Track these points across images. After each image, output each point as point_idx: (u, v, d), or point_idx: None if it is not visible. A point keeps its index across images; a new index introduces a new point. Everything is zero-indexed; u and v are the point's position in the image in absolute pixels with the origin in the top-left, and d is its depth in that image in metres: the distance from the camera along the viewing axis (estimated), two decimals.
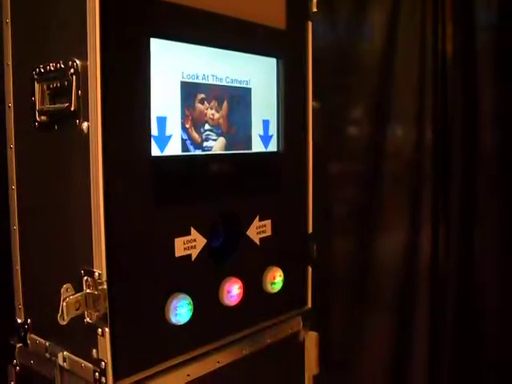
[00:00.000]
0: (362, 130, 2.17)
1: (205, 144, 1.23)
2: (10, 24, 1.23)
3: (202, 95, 1.21)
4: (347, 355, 2.16)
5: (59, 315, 1.03)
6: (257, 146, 1.35)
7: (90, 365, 1.09)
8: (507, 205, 2.01)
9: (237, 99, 1.29)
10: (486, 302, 2.05)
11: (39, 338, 1.23)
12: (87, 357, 1.10)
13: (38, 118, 1.15)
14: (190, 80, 1.19)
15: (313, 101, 1.51)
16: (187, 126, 1.18)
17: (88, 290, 1.05)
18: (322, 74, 1.62)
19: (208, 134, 1.23)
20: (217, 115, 1.25)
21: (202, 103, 1.21)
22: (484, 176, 2.04)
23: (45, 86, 1.13)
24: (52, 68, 1.10)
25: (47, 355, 1.20)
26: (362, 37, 2.12)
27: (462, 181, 2.07)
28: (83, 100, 1.04)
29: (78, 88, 1.05)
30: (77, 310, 1.05)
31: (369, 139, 2.14)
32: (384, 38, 2.09)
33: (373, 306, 2.15)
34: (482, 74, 2.02)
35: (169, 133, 1.15)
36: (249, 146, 1.34)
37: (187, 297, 1.16)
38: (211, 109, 1.23)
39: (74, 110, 1.05)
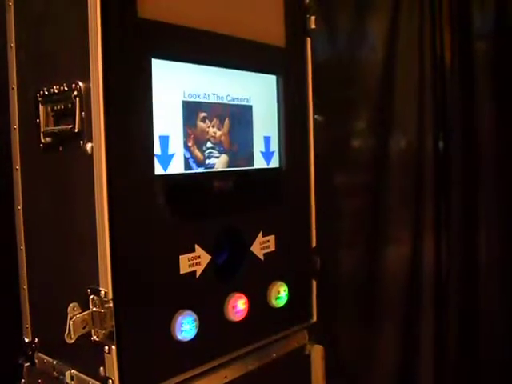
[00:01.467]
0: (363, 140, 2.17)
1: (207, 162, 1.24)
2: (14, 48, 1.25)
3: (204, 114, 1.23)
4: (353, 367, 2.15)
5: (66, 334, 1.04)
6: (259, 163, 1.37)
7: (98, 383, 1.10)
8: (509, 211, 2.02)
9: (238, 117, 1.31)
10: (490, 308, 2.04)
11: (47, 357, 1.24)
12: (95, 375, 1.10)
13: (42, 140, 1.17)
14: (192, 99, 1.20)
15: (314, 115, 1.52)
16: (189, 144, 1.20)
17: (94, 309, 1.06)
18: (323, 87, 1.64)
19: (210, 152, 1.25)
20: (218, 133, 1.26)
21: (204, 121, 1.23)
22: (485, 183, 2.05)
23: (49, 108, 1.15)
24: (56, 90, 1.12)
25: (55, 374, 1.21)
26: (361, 49, 2.14)
27: (463, 189, 2.08)
28: (87, 121, 1.06)
29: (81, 110, 1.06)
30: (83, 328, 1.06)
31: (370, 150, 2.15)
32: (383, 49, 2.11)
33: (378, 317, 2.15)
34: (480, 80, 2.04)
35: (171, 151, 1.17)
36: (251, 162, 1.35)
37: (192, 313, 1.17)
38: (213, 127, 1.25)
39: (78, 131, 1.07)
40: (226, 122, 1.28)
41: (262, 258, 1.36)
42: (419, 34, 2.09)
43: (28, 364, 1.29)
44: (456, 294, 2.09)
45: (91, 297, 1.06)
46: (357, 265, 2.15)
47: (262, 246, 1.36)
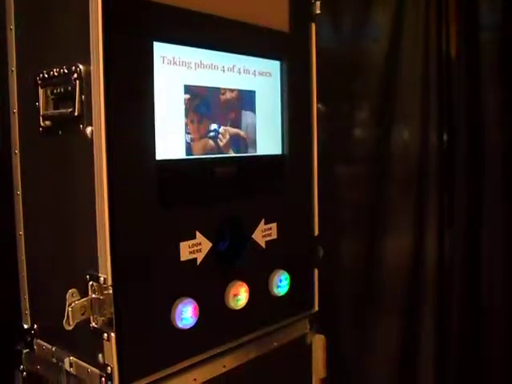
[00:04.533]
0: (366, 131, 2.16)
1: (209, 147, 1.22)
2: (13, 30, 1.24)
3: (206, 98, 1.21)
4: (354, 358, 2.15)
5: (65, 320, 1.03)
6: (262, 149, 1.35)
7: (97, 370, 1.09)
8: None
9: (241, 102, 1.29)
10: (493, 302, 2.03)
11: (46, 344, 1.23)
12: (93, 362, 1.10)
13: (42, 124, 1.15)
14: (194, 83, 1.18)
15: (317, 103, 1.51)
16: (191, 129, 1.18)
17: (93, 295, 1.05)
18: (326, 77, 1.62)
19: (212, 137, 1.23)
20: (221, 118, 1.24)
21: (206, 106, 1.21)
22: (489, 177, 2.03)
23: (49, 92, 1.14)
24: (55, 73, 1.11)
25: (54, 360, 1.20)
26: (366, 39, 2.12)
27: (467, 182, 2.06)
28: (87, 105, 1.04)
29: (81, 93, 1.05)
30: (82, 314, 1.05)
31: (373, 142, 2.13)
32: (388, 40, 2.09)
33: (379, 308, 2.14)
34: (486, 74, 2.02)
35: (173, 136, 1.15)
36: (254, 148, 1.33)
37: (193, 301, 1.16)
38: (215, 112, 1.23)
39: (78, 114, 1.05)
40: (229, 107, 1.26)
41: (263, 245, 1.35)
42: (425, 26, 2.07)
43: (27, 350, 1.29)
44: (458, 290, 2.08)
45: (90, 283, 1.05)
46: (359, 255, 2.14)
47: (264, 233, 1.35)
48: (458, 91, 2.06)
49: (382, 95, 2.11)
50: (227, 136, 1.26)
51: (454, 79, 2.07)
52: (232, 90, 1.27)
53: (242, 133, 1.30)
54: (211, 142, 1.23)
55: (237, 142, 1.29)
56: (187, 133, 1.17)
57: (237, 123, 1.28)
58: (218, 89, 1.24)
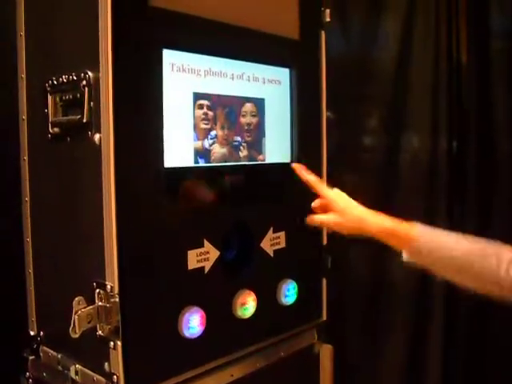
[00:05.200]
0: (377, 138, 2.15)
1: (218, 155, 1.22)
2: (23, 37, 1.24)
3: (216, 106, 1.20)
4: (362, 367, 2.13)
5: (71, 328, 1.03)
6: (270, 157, 1.34)
7: (102, 378, 1.09)
8: None
9: (250, 110, 1.29)
10: (502, 308, 2.01)
11: (52, 351, 1.23)
12: (99, 370, 1.09)
13: (50, 130, 1.15)
14: (203, 91, 1.18)
15: (327, 111, 1.50)
16: (200, 137, 1.18)
17: (100, 303, 1.04)
18: (336, 84, 1.61)
19: (221, 146, 1.22)
20: (230, 126, 1.24)
21: (216, 114, 1.20)
22: (500, 185, 2.01)
23: (57, 98, 1.14)
24: (65, 80, 1.11)
25: (59, 368, 1.19)
26: (376, 45, 2.11)
27: (477, 190, 2.04)
28: (95, 112, 1.04)
29: (90, 100, 1.05)
30: (89, 322, 1.04)
31: (383, 149, 2.12)
32: (398, 46, 2.08)
33: (388, 316, 2.13)
34: (496, 80, 2.00)
35: (181, 144, 1.14)
36: (262, 157, 1.33)
37: (200, 310, 1.15)
38: (225, 120, 1.22)
39: (87, 121, 1.05)
40: (238, 115, 1.25)
41: (271, 254, 1.34)
42: (435, 32, 2.05)
43: (33, 357, 1.28)
44: (468, 300, 2.05)
45: (97, 291, 1.05)
46: (367, 264, 2.12)
47: (272, 242, 1.34)
48: (468, 97, 2.04)
49: (391, 102, 2.10)
50: (236, 144, 1.26)
51: (464, 86, 2.05)
52: (242, 98, 1.26)
53: (251, 141, 1.29)
54: (220, 150, 1.22)
55: (246, 149, 1.28)
56: (196, 140, 1.17)
57: (246, 131, 1.28)
58: (228, 96, 1.23)
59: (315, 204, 1.20)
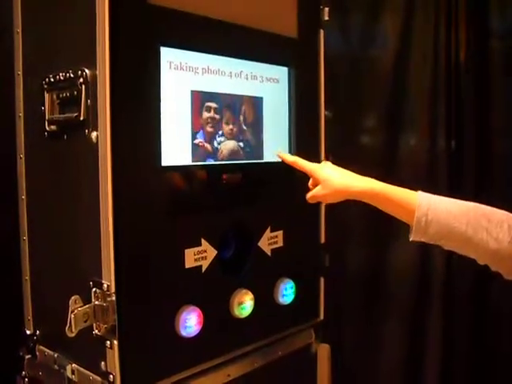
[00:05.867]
0: (374, 138, 2.14)
1: (215, 154, 1.21)
2: (20, 34, 1.23)
3: (213, 104, 1.20)
4: (359, 366, 2.13)
5: (67, 327, 1.02)
6: (268, 156, 1.34)
7: (99, 378, 1.08)
8: None
9: (248, 109, 1.28)
10: (501, 307, 2.01)
11: (48, 350, 1.22)
12: (96, 369, 1.08)
13: (47, 128, 1.15)
14: (201, 89, 1.17)
15: (325, 109, 1.49)
16: (197, 135, 1.17)
17: (96, 302, 1.04)
18: (334, 83, 1.61)
19: (219, 144, 1.22)
20: (228, 125, 1.23)
21: (213, 113, 1.20)
22: (498, 183, 2.01)
23: (54, 96, 1.13)
24: (61, 77, 1.10)
25: (56, 367, 1.19)
26: (375, 44, 2.10)
27: (475, 189, 2.04)
28: (92, 109, 1.03)
29: (87, 97, 1.04)
30: (85, 321, 1.04)
31: (381, 148, 2.12)
32: (398, 45, 2.07)
33: (386, 314, 2.12)
34: (494, 81, 2.00)
35: (179, 142, 1.14)
36: (260, 155, 1.32)
37: (197, 309, 1.14)
38: (222, 118, 1.22)
39: (83, 119, 1.05)
40: (236, 113, 1.25)
41: (269, 253, 1.33)
42: (434, 33, 2.05)
43: (29, 356, 1.28)
44: (466, 300, 2.05)
45: (93, 290, 1.04)
46: (365, 263, 2.12)
47: (270, 241, 1.33)
48: (466, 97, 2.04)
49: (390, 101, 2.10)
50: (234, 142, 1.25)
51: (462, 85, 2.05)
52: (240, 97, 1.26)
53: (248, 139, 1.29)
54: (217, 148, 1.21)
55: (243, 148, 1.28)
56: (193, 138, 1.16)
57: (244, 130, 1.27)
58: (226, 95, 1.23)
59: (309, 183, 1.19)
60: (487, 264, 1.03)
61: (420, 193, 1.06)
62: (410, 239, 1.05)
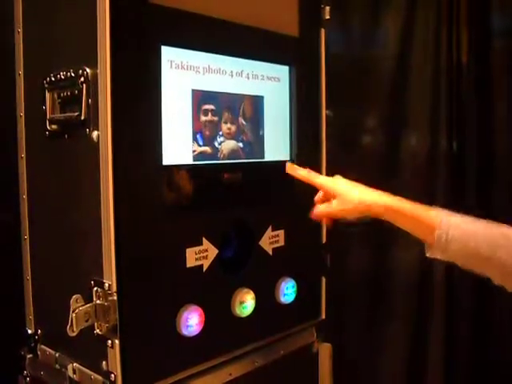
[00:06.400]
0: (375, 138, 2.14)
1: (216, 153, 1.21)
2: (21, 33, 1.23)
3: (210, 106, 1.20)
4: (361, 365, 2.13)
5: (68, 326, 1.02)
6: (269, 155, 1.33)
7: (100, 377, 1.08)
8: None
9: (249, 108, 1.28)
10: (503, 311, 2.01)
11: (49, 349, 1.22)
12: (97, 369, 1.08)
13: (48, 127, 1.14)
14: (202, 88, 1.17)
15: (326, 109, 1.49)
16: (198, 134, 1.17)
17: (98, 301, 1.04)
18: (335, 83, 1.60)
19: (220, 143, 1.22)
20: (229, 124, 1.23)
21: (214, 112, 1.20)
22: (500, 183, 2.01)
23: (55, 95, 1.13)
24: (62, 76, 1.10)
25: (57, 366, 1.19)
26: (377, 43, 2.10)
27: (477, 188, 2.04)
28: (93, 109, 1.03)
29: (88, 96, 1.04)
30: (86, 321, 1.03)
31: (382, 147, 2.12)
32: (399, 45, 2.07)
33: (387, 315, 2.12)
34: (496, 80, 2.00)
35: (180, 141, 1.14)
36: (261, 154, 1.32)
37: (198, 308, 1.14)
38: (223, 117, 1.22)
39: (85, 118, 1.05)
40: (237, 112, 1.25)
41: (270, 252, 1.33)
42: (435, 32, 2.05)
43: (30, 356, 1.28)
44: (467, 299, 2.05)
45: (95, 289, 1.04)
46: (367, 263, 2.12)
47: (271, 240, 1.33)
48: (468, 97, 2.04)
49: (391, 101, 2.10)
50: (235, 142, 1.25)
51: (464, 85, 2.05)
52: (241, 96, 1.26)
53: (249, 138, 1.29)
54: (218, 147, 1.21)
55: (244, 147, 1.28)
56: (194, 138, 1.16)
57: (245, 129, 1.27)
58: (227, 94, 1.22)
59: (317, 198, 1.16)
60: (502, 285, 1.00)
61: (439, 209, 1.04)
62: (427, 255, 1.03)
